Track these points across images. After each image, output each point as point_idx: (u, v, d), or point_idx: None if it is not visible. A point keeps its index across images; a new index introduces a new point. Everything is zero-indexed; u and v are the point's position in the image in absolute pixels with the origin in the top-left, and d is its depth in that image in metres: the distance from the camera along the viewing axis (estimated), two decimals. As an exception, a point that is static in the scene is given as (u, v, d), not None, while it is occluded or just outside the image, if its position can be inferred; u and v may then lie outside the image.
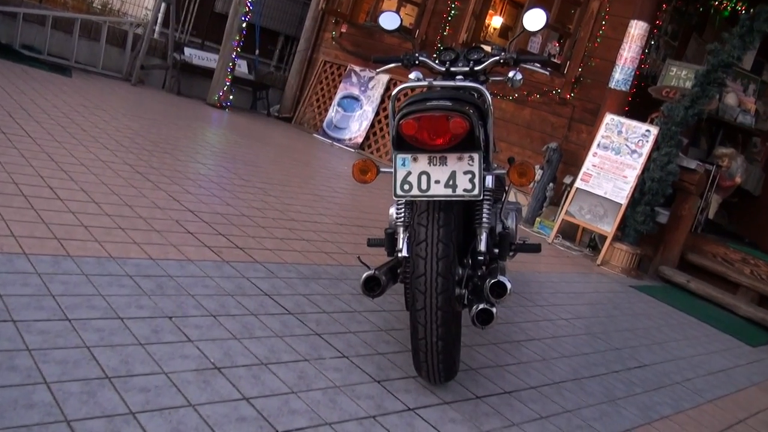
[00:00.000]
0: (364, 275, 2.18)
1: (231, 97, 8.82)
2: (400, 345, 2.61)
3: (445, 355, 2.12)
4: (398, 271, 2.31)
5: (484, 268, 2.25)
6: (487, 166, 2.23)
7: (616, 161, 5.92)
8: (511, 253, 2.70)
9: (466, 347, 2.79)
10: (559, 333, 3.44)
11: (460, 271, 2.19)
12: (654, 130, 5.76)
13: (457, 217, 2.12)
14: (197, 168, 4.76)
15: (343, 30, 9.33)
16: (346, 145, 8.68)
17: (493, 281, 2.09)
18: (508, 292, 2.08)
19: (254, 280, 2.85)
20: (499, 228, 2.57)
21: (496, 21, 11.41)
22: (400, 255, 2.28)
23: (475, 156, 2.07)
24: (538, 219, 6.62)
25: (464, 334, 2.84)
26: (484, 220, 2.24)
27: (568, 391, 2.67)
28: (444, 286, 2.03)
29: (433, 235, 2.04)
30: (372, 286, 2.18)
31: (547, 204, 6.82)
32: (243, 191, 4.45)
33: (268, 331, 2.38)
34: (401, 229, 2.32)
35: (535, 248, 2.80)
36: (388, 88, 8.70)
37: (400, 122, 2.03)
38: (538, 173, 6.74)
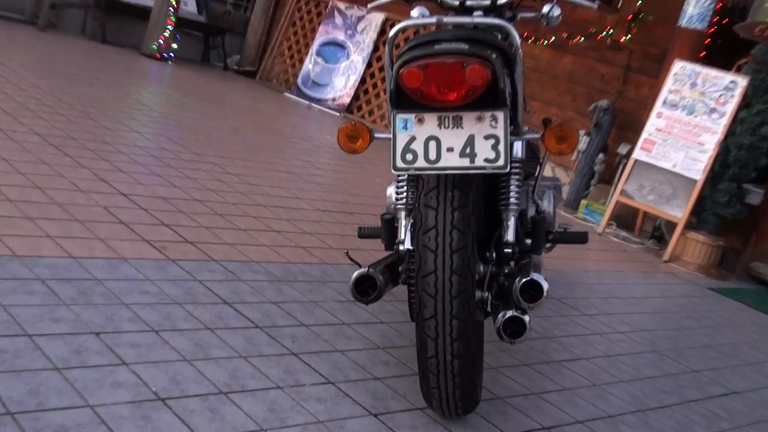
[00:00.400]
0: (355, 275, 2.20)
1: (174, 45, 8.83)
2: (402, 367, 2.64)
3: (463, 378, 2.14)
4: (399, 269, 2.34)
5: (512, 263, 2.28)
6: (515, 129, 2.25)
7: (688, 124, 5.93)
8: (547, 245, 2.73)
9: (490, 369, 2.82)
10: (613, 350, 3.49)
11: (482, 268, 2.22)
12: (742, 82, 5.73)
13: (476, 196, 2.14)
14: (132, 138, 4.78)
15: (324, -47, 9.35)
16: (329, 107, 8.71)
17: (524, 280, 2.11)
18: (545, 294, 2.09)
19: (209, 283, 2.87)
20: (531, 211, 2.61)
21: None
22: (401, 248, 2.32)
23: (500, 115, 2.08)
24: (583, 201, 6.65)
25: (488, 352, 2.84)
26: (512, 200, 2.27)
27: (628, 427, 2.70)
28: (460, 288, 2.06)
29: (446, 220, 2.07)
30: (365, 289, 2.21)
31: (596, 181, 6.85)
32: (193, 168, 4.48)
33: (228, 351, 2.40)
34: (403, 214, 2.36)
35: (580, 238, 2.82)
36: (383, 31, 8.72)
37: (401, 72, 2.03)
38: (583, 141, 6.76)
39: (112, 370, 2.07)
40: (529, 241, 2.44)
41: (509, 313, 2.09)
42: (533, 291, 2.11)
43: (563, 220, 6.05)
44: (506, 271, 2.25)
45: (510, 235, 2.26)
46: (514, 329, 2.09)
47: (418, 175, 2.20)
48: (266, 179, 4.74)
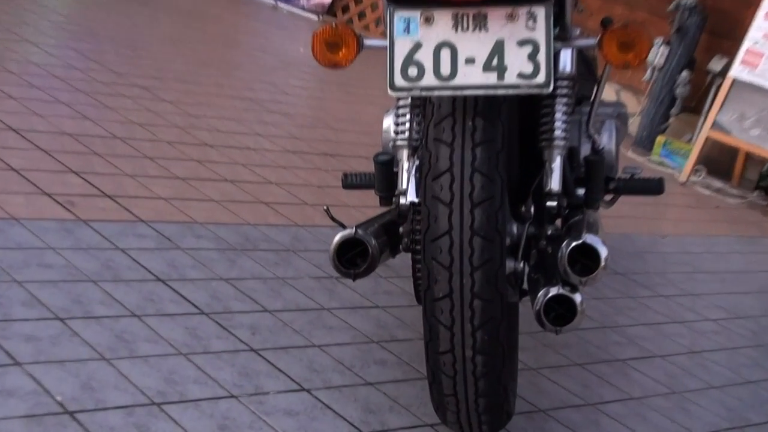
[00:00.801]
0: (338, 239, 2.23)
1: None
2: (405, 368, 2.64)
3: (489, 382, 2.16)
4: (400, 230, 2.36)
5: (558, 222, 2.29)
6: (562, 33, 2.25)
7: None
8: (607, 197, 2.73)
9: (527, 371, 2.82)
10: (701, 345, 3.50)
11: (515, 229, 2.24)
12: None
13: (507, 128, 2.15)
14: (25, 52, 4.75)
15: None
16: (303, 8, 8.65)
17: (574, 245, 2.12)
18: (603, 264, 2.11)
19: (136, 253, 2.88)
20: (585, 150, 2.62)
21: None
22: (403, 201, 2.33)
23: (539, 12, 2.07)
24: (660, 138, 6.64)
25: (524, 347, 2.86)
26: (558, 134, 2.28)
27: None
28: (485, 256, 2.07)
29: (464, 161, 2.08)
30: (352, 259, 2.23)
31: (678, 110, 6.83)
32: (113, 94, 4.45)
33: (162, 346, 2.40)
34: (405, 154, 2.38)
35: (654, 188, 2.82)
36: None
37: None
38: (660, 52, 6.73)
39: (1, 372, 2.07)
40: (581, 192, 2.45)
41: (553, 291, 2.11)
42: (586, 260, 2.11)
43: (631, 162, 6.01)
44: (549, 232, 2.26)
45: (554, 183, 2.27)
46: (560, 313, 2.11)
47: (426, 99, 2.19)
48: (214, 109, 4.73)
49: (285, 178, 3.98)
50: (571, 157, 2.45)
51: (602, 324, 3.41)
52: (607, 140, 2.75)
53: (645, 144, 6.82)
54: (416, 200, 2.26)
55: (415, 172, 2.30)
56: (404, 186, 2.34)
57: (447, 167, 2.08)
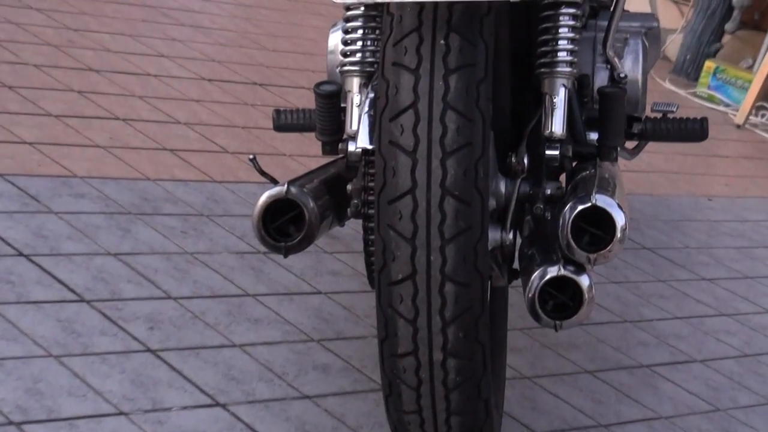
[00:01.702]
0: (264, 199, 2.24)
1: None
2: (353, 375, 2.66)
3: (465, 396, 2.14)
4: (348, 188, 2.38)
5: (561, 179, 2.32)
6: None
7: None
8: (630, 144, 2.77)
9: (518, 379, 2.83)
10: (757, 346, 3.52)
11: (503, 187, 2.27)
12: None
13: (492, 49, 2.10)
14: None
15: None
16: None
17: (581, 208, 2.10)
18: (618, 235, 2.09)
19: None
20: (601, 79, 2.62)
21: None
22: (351, 149, 2.35)
23: None
24: (709, 63, 6.64)
25: (515, 349, 2.88)
26: (561, 57, 2.28)
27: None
28: (461, 223, 2.04)
29: (434, 93, 2.04)
30: (284, 226, 2.25)
31: (735, 26, 6.83)
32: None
33: (24, 344, 2.39)
34: (356, 85, 2.38)
35: (695, 132, 2.75)
36: None
37: None
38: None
39: None
40: (594, 136, 2.45)
41: (552, 272, 2.10)
42: (597, 230, 2.10)
43: (666, 97, 6.01)
44: (549, 192, 2.28)
45: (557, 124, 2.27)
46: (562, 302, 2.12)
47: (384, 8, 2.14)
48: (101, 20, 4.71)
49: (198, 116, 3.97)
50: (580, 88, 2.46)
51: (622, 317, 3.41)
52: (631, 66, 2.73)
53: (688, 71, 6.83)
54: (369, 147, 2.24)
55: (369, 108, 2.28)
56: (354, 127, 2.34)
57: (410, 102, 2.03)
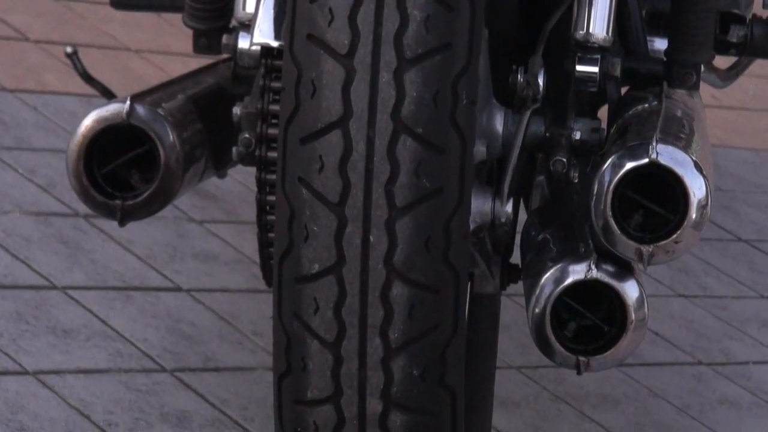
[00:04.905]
0: (90, 121, 1.93)
1: None
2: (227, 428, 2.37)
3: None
4: (234, 112, 2.10)
5: (599, 114, 2.08)
6: None
7: None
8: (725, 60, 2.49)
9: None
10: None
11: (500, 123, 1.98)
12: None
13: None
14: None
15: None
16: None
17: (633, 166, 1.75)
18: (693, 214, 1.72)
19: None
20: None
21: None
22: (243, 45, 2.13)
23: None
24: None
25: (504, 403, 2.57)
26: None
27: None
28: (422, 180, 1.72)
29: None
30: (122, 172, 1.97)
31: None
32: None
33: None
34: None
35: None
36: None
37: None
38: None
39: None
40: (660, 45, 2.16)
41: (576, 273, 1.78)
42: (658, 204, 1.75)
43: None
44: (577, 135, 1.97)
45: (597, 22, 1.95)
46: (590, 324, 1.80)
47: None
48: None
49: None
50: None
51: (695, 357, 3.09)
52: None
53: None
54: (274, 44, 1.97)
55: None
56: (248, 8, 2.09)
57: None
